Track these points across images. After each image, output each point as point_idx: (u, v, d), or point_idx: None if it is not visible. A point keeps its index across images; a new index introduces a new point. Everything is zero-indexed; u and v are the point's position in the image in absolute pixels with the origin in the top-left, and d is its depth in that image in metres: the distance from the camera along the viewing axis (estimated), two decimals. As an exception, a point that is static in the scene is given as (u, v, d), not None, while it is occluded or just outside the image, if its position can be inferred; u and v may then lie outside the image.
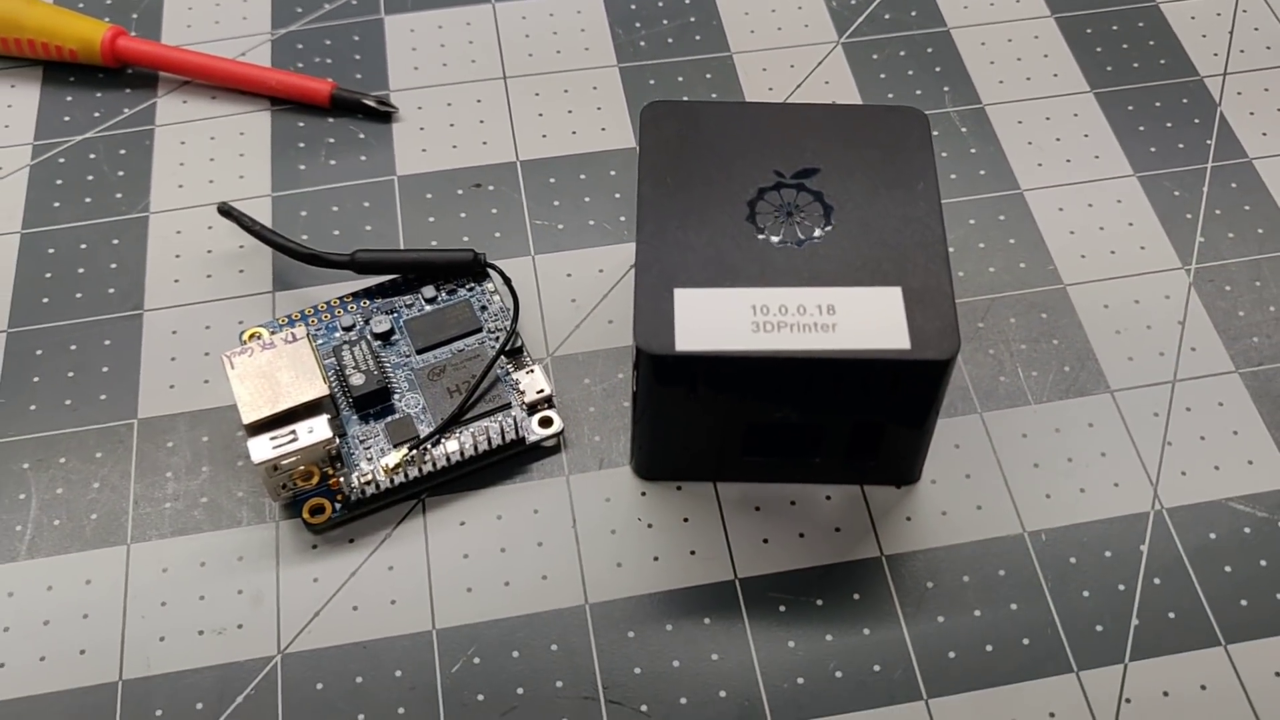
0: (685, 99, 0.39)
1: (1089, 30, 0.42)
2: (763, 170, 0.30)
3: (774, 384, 0.28)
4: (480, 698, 0.29)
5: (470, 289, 0.35)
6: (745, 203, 0.30)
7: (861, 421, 0.30)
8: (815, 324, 0.28)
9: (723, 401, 0.29)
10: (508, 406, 0.33)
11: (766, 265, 0.29)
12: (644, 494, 0.32)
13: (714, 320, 0.28)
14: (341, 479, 0.31)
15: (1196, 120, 0.40)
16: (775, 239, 0.29)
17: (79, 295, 0.36)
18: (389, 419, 0.33)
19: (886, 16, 0.42)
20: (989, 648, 0.30)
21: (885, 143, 0.31)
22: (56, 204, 0.38)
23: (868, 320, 0.28)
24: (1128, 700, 0.29)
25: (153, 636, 0.30)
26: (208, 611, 0.30)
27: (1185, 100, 0.40)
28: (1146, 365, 0.34)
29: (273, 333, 0.34)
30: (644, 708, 0.29)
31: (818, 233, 0.29)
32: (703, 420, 0.30)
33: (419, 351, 0.34)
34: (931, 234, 0.29)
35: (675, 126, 0.31)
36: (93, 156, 0.39)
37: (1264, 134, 0.39)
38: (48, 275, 0.36)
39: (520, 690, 0.29)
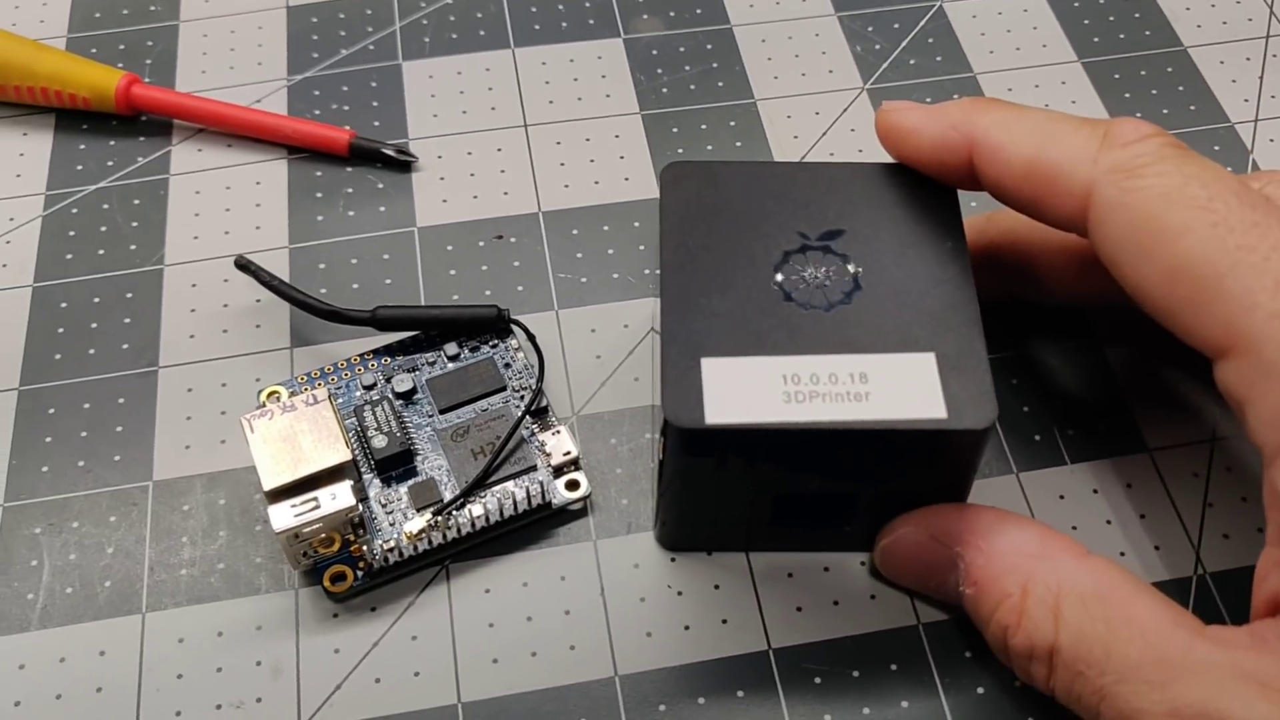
0: (706, 160, 0.38)
1: (1117, 75, 0.41)
2: (787, 233, 0.29)
3: (807, 455, 0.28)
4: (507, 775, 0.28)
5: (494, 345, 0.34)
6: (771, 267, 0.29)
7: (895, 490, 0.29)
8: (848, 393, 0.27)
9: (753, 472, 0.28)
10: (533, 469, 0.32)
11: (795, 332, 0.28)
12: (673, 559, 0.31)
13: (744, 391, 0.27)
14: (364, 546, 0.30)
15: (1229, 168, 0.39)
16: (803, 304, 0.28)
17: (92, 351, 0.35)
18: (411, 481, 0.32)
19: (912, 62, 0.41)
20: (1030, 721, 0.29)
21: (912, 200, 0.30)
22: (69, 256, 0.37)
23: (901, 388, 0.27)
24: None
25: (168, 711, 0.29)
26: (225, 684, 0.30)
27: (1217, 147, 0.39)
28: (1184, 423, 0.34)
29: (292, 393, 0.33)
30: (676, 785, 0.28)
31: (846, 297, 0.28)
32: (731, 491, 0.29)
33: (442, 411, 0.33)
34: (963, 295, 0.29)
35: (696, 188, 0.30)
36: (106, 207, 0.38)
37: (1298, 182, 0.38)
38: (60, 330, 0.35)
39: (548, 767, 0.29)
